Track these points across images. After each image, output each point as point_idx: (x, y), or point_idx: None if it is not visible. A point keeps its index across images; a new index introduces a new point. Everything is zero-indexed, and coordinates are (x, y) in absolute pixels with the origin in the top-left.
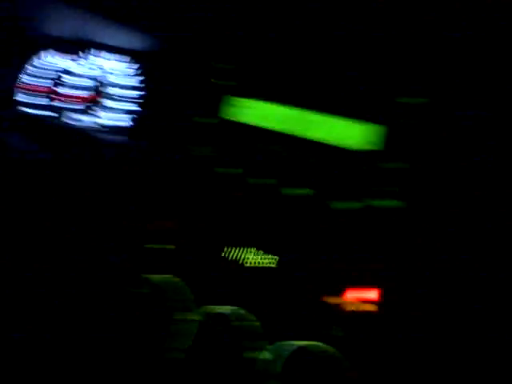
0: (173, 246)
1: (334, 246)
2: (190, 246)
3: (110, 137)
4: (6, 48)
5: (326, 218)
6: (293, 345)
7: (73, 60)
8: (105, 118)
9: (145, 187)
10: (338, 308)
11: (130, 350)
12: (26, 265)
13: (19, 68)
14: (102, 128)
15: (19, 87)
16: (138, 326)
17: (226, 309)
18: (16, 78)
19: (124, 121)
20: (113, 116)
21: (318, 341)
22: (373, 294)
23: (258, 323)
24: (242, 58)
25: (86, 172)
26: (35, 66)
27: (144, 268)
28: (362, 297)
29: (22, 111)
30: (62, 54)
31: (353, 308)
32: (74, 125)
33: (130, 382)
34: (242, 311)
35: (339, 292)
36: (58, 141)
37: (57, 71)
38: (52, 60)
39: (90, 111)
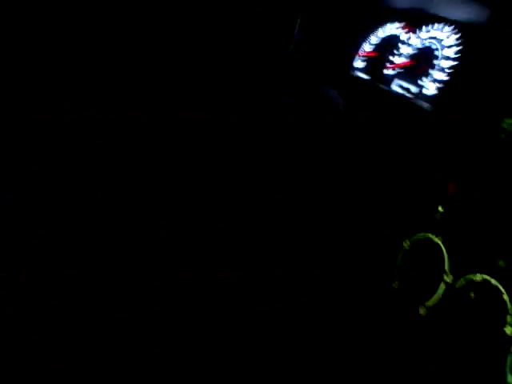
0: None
1: None
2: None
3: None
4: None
5: None
6: None
7: (407, 30)
8: (429, 88)
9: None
10: None
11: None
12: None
13: (361, 36)
14: (423, 97)
15: (358, 54)
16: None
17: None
18: (357, 45)
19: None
20: (434, 86)
21: None
22: None
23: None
24: None
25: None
26: (375, 36)
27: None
28: None
29: (357, 75)
30: (398, 24)
31: None
32: (398, 92)
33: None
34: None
35: None
36: (382, 105)
37: (392, 41)
38: (389, 30)
39: (416, 80)
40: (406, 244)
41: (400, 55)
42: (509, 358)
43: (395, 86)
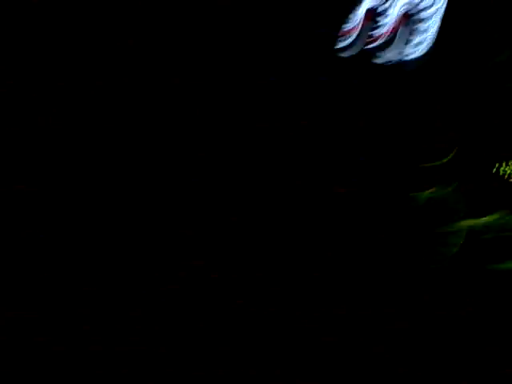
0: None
1: None
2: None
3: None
4: None
5: None
6: None
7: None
8: (410, 53)
9: None
10: None
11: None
12: None
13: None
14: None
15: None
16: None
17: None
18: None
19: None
20: (416, 50)
21: None
22: None
23: None
24: None
25: None
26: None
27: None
28: None
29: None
30: None
31: None
32: (384, 62)
33: None
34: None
35: None
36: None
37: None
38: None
39: (397, 46)
40: None
41: (379, 26)
42: None
43: (379, 58)
